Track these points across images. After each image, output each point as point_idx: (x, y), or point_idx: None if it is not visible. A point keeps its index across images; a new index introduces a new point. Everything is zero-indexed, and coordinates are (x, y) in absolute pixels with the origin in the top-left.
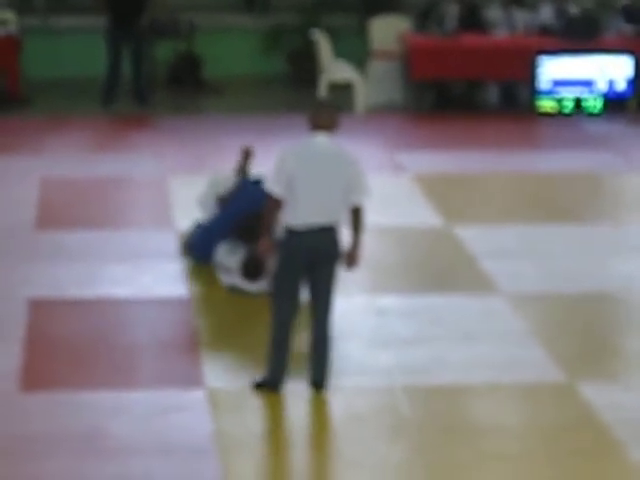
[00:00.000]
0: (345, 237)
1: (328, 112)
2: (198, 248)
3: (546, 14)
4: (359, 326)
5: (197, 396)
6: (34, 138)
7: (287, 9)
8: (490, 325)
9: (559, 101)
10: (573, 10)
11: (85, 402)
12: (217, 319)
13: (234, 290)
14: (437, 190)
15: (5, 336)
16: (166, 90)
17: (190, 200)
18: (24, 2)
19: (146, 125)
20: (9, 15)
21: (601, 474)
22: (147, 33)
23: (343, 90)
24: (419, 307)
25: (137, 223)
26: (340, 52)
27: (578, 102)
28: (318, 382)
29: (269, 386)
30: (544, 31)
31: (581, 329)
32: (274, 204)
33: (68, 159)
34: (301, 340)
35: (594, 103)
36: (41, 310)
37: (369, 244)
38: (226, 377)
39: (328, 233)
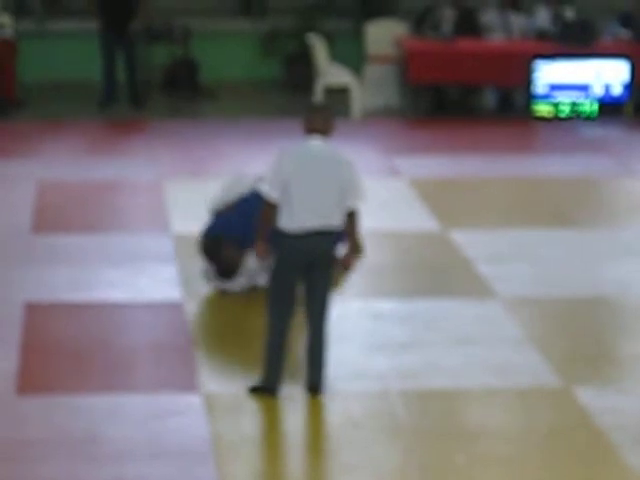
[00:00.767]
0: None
1: (323, 116)
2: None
3: (542, 19)
4: (355, 330)
5: (193, 400)
6: (30, 142)
7: (283, 13)
8: (486, 329)
9: (555, 105)
10: (569, 15)
11: (81, 406)
12: (213, 323)
13: (224, 292)
14: (433, 194)
15: (1, 339)
16: (162, 94)
17: (186, 204)
18: (20, 6)
19: (142, 129)
20: (5, 19)
21: (596, 478)
22: (139, 37)
23: (339, 94)
24: (415, 311)
25: (133, 227)
26: (336, 56)
27: (574, 106)
28: (314, 386)
29: (265, 390)
30: (540, 36)
31: (577, 333)
32: (270, 208)
33: (64, 163)
34: (297, 344)
35: (590, 107)
36: (37, 314)
37: (366, 248)
38: (222, 381)
39: (324, 237)
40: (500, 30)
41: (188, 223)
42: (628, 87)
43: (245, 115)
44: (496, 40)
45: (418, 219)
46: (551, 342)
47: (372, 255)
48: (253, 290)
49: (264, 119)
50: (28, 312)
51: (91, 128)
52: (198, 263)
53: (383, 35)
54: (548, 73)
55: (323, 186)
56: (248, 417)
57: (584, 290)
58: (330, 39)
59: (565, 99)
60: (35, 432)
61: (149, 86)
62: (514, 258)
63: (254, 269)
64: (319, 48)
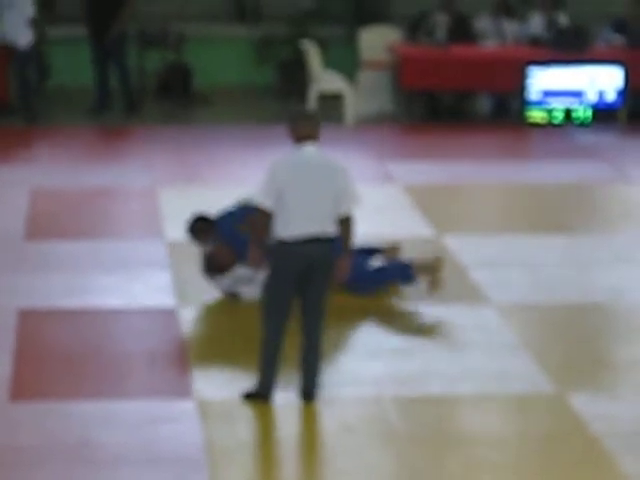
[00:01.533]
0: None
1: (311, 122)
2: None
3: (536, 25)
4: (349, 336)
5: (187, 406)
6: (24, 147)
7: (277, 19)
8: (480, 335)
9: (549, 112)
10: (563, 21)
11: (74, 412)
12: (207, 329)
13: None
14: (427, 200)
15: None
16: (155, 100)
17: (180, 210)
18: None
19: (136, 135)
20: None
21: None
22: (131, 43)
23: (333, 100)
24: (409, 318)
25: (127, 233)
26: (330, 62)
27: (568, 113)
28: (308, 392)
29: (259, 396)
30: (534, 42)
31: (571, 340)
32: (264, 217)
33: (58, 169)
34: (292, 350)
35: (584, 114)
36: (31, 320)
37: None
38: (216, 387)
39: (321, 244)
40: (494, 36)
41: (182, 230)
42: (622, 93)
43: (239, 121)
44: (490, 46)
45: (412, 225)
46: (545, 348)
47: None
48: (233, 297)
49: (258, 125)
50: (22, 319)
51: (85, 134)
52: (192, 269)
53: (377, 41)
54: (542, 79)
55: (318, 193)
56: (242, 423)
57: (579, 296)
58: (324, 45)
59: (559, 105)
60: (28, 438)
61: (143, 92)
62: (508, 264)
63: (241, 278)
64: (313, 54)
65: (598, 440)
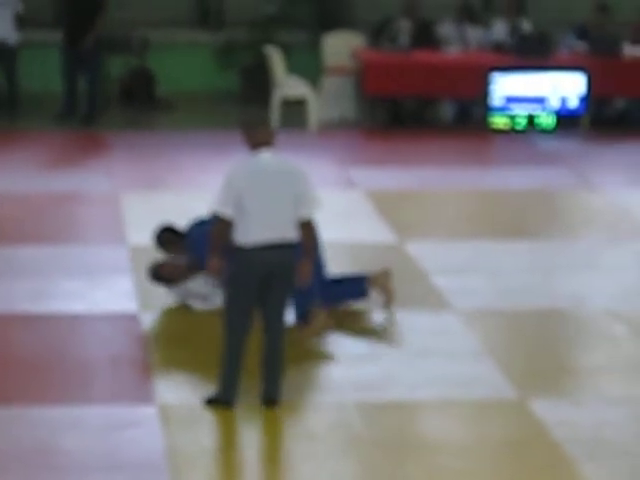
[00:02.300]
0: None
1: (266, 128)
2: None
3: (499, 31)
4: (311, 343)
5: (149, 412)
6: None
7: (240, 25)
8: (442, 341)
9: (512, 118)
10: (526, 27)
11: (37, 417)
12: (169, 335)
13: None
14: (389, 206)
15: None
16: (119, 106)
17: (143, 216)
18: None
19: (99, 141)
20: None
21: None
22: (95, 52)
23: (296, 106)
24: (371, 323)
25: (90, 239)
26: (294, 68)
27: (531, 119)
28: (270, 398)
29: (221, 402)
30: (497, 48)
31: (533, 346)
32: (224, 225)
33: (21, 174)
34: (254, 356)
35: (547, 120)
36: None
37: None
38: (178, 393)
39: (281, 250)
40: (457, 42)
41: (144, 235)
42: (584, 100)
43: (202, 127)
44: (453, 52)
45: (374, 231)
46: (507, 354)
47: (328, 267)
48: (185, 307)
49: (221, 131)
50: None
51: (48, 140)
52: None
53: (340, 47)
54: (504, 85)
55: (277, 198)
56: (204, 429)
57: (540, 302)
58: (287, 51)
59: (522, 111)
60: None
61: (106, 98)
62: (470, 270)
63: (192, 292)
64: (276, 60)
65: (560, 446)
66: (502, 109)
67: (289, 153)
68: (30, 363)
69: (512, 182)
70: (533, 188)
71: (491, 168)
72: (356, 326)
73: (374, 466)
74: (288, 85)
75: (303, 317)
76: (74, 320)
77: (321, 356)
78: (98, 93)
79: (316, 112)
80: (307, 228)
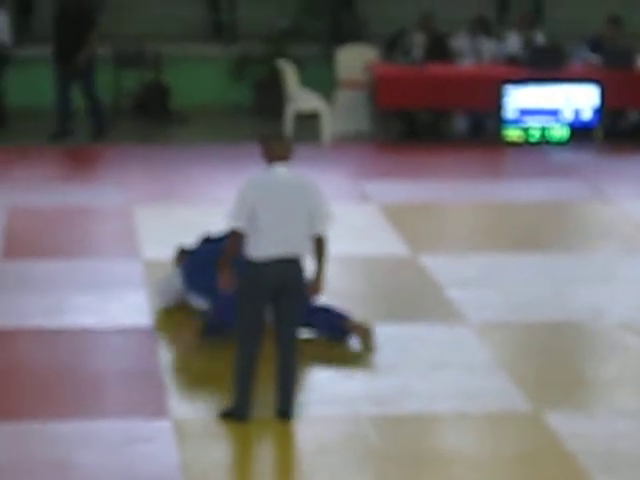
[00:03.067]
0: (310, 267)
1: (284, 143)
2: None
3: (513, 44)
4: (325, 356)
5: (163, 426)
6: (1, 168)
7: (254, 39)
8: (456, 354)
9: (525, 130)
10: (540, 40)
11: (51, 432)
12: (183, 349)
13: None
14: (403, 219)
15: None
16: (132, 119)
17: (156, 229)
18: None
19: (112, 154)
20: None
21: None
22: (88, 69)
23: (310, 119)
24: (385, 336)
25: (103, 253)
26: (307, 81)
27: (544, 131)
28: (285, 412)
29: (235, 416)
30: (510, 60)
31: (547, 358)
32: (236, 238)
33: (35, 189)
34: (268, 370)
35: (560, 132)
36: (6, 339)
37: (335, 274)
38: (192, 406)
39: (291, 265)
40: (470, 55)
41: (158, 249)
42: (598, 112)
43: (215, 140)
44: (466, 65)
45: (388, 244)
46: (521, 367)
47: (342, 280)
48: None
49: (234, 144)
50: None
51: (61, 154)
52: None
53: (354, 60)
54: (518, 98)
55: (291, 213)
56: (218, 443)
57: (554, 315)
58: (300, 64)
59: (535, 124)
60: (5, 459)
61: (119, 111)
62: (485, 283)
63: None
64: (289, 73)
65: (574, 458)
66: (516, 122)
67: (303, 167)
68: (43, 378)
69: (526, 194)
70: (547, 200)
71: (505, 181)
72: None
73: (388, 479)
74: (301, 99)
75: None
76: (87, 334)
77: (335, 369)
78: (101, 109)
79: (330, 126)
80: (321, 243)
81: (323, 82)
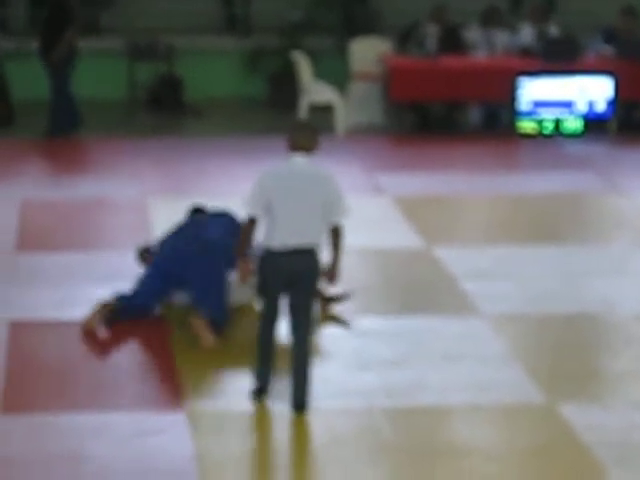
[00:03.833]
0: (325, 256)
1: (306, 133)
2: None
3: (526, 35)
4: (340, 348)
5: (177, 418)
6: (14, 160)
7: (267, 31)
8: (470, 346)
9: (539, 122)
10: (553, 31)
11: (65, 424)
12: (197, 340)
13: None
14: (417, 212)
15: None
16: (146, 112)
17: (170, 222)
18: (2, 25)
19: (125, 147)
20: None
21: None
22: (61, 66)
23: (323, 112)
24: (399, 329)
25: (117, 245)
26: (320, 74)
27: (558, 123)
28: (299, 403)
29: (258, 392)
30: (524, 52)
31: (561, 350)
32: (250, 225)
33: (48, 181)
34: (282, 363)
35: (574, 124)
36: (21, 332)
37: (349, 266)
38: (206, 398)
39: (306, 255)
40: (484, 47)
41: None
42: (612, 103)
43: (229, 133)
44: (480, 57)
45: (402, 236)
46: (536, 359)
47: (357, 273)
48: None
49: (248, 137)
50: (12, 331)
51: (75, 146)
52: None
53: (367, 52)
54: (532, 90)
55: (306, 203)
56: (233, 435)
57: (569, 307)
58: (314, 57)
59: (549, 116)
60: (18, 451)
61: (133, 104)
62: (499, 275)
63: None
64: (303, 66)
65: (588, 450)
66: (530, 113)
67: (316, 158)
68: (57, 370)
69: (540, 187)
70: (561, 192)
71: (519, 173)
72: (384, 332)
73: (402, 471)
74: (315, 91)
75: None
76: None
77: (349, 362)
78: (66, 106)
79: (343, 118)
80: (337, 233)
81: (337, 74)
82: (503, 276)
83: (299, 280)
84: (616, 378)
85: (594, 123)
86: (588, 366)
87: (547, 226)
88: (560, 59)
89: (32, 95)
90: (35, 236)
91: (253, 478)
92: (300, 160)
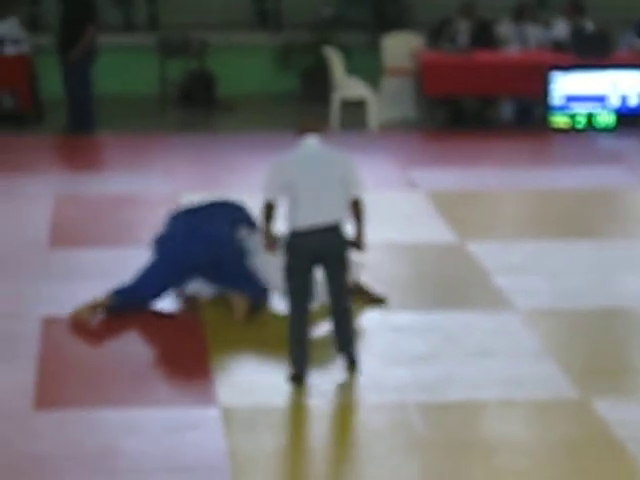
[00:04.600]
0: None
1: (313, 116)
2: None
3: (560, 30)
4: (373, 343)
5: (210, 414)
6: (48, 156)
7: (299, 26)
8: (504, 341)
9: (572, 117)
10: (588, 26)
11: (98, 420)
12: (230, 335)
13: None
14: (450, 206)
15: (19, 354)
16: (178, 108)
17: None
18: (34, 21)
19: (158, 143)
20: (20, 34)
21: None
22: (79, 66)
23: (356, 107)
24: (433, 323)
25: (149, 241)
26: (353, 69)
27: (591, 118)
28: (350, 359)
29: (295, 378)
30: (556, 47)
31: (594, 345)
32: (268, 208)
33: (81, 177)
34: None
35: (607, 119)
36: (54, 328)
37: (382, 261)
38: (239, 394)
39: (332, 232)
40: (516, 41)
41: None
42: None
43: (261, 128)
44: (512, 51)
45: (435, 231)
46: (569, 354)
47: (390, 267)
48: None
49: (280, 132)
50: (46, 326)
51: (107, 142)
52: None
53: (399, 48)
54: (564, 84)
55: (326, 182)
56: (266, 430)
57: (602, 302)
58: (346, 52)
59: (581, 110)
60: (52, 447)
61: (165, 100)
62: (531, 270)
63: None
64: (335, 61)
65: (622, 445)
66: (562, 108)
67: (350, 154)
68: (90, 366)
69: (572, 181)
70: (593, 187)
71: (551, 167)
72: (417, 326)
73: (435, 466)
74: (348, 86)
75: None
76: (134, 322)
77: (382, 357)
78: (82, 107)
79: (376, 113)
80: (358, 206)
81: (369, 70)
82: (536, 271)
83: (328, 255)
84: None
85: (627, 117)
86: (621, 361)
87: (580, 221)
88: (593, 54)
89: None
90: (68, 232)
91: (286, 474)
92: (312, 142)
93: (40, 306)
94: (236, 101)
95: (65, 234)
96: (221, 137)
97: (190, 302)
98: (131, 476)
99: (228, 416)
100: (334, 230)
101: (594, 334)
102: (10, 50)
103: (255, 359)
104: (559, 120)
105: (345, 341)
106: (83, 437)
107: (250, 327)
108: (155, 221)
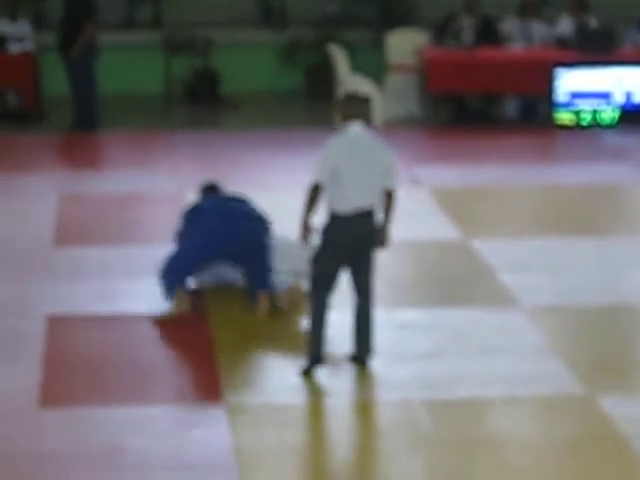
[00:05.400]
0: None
1: (358, 102)
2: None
3: (564, 27)
4: (379, 340)
5: (216, 411)
6: (52, 155)
7: (304, 24)
8: (509, 338)
9: (577, 113)
10: (593, 23)
11: (103, 418)
12: (235, 334)
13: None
14: (455, 203)
15: (24, 352)
16: (183, 106)
17: None
18: (40, 19)
19: (162, 141)
20: (26, 31)
21: None
22: (80, 63)
23: None
24: (437, 321)
25: (155, 239)
26: (357, 66)
27: (595, 114)
28: (362, 358)
29: (313, 365)
30: (561, 43)
31: (600, 342)
32: (315, 190)
33: (85, 175)
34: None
35: (611, 115)
36: (59, 326)
37: (387, 258)
38: (245, 392)
39: (368, 217)
40: (520, 38)
41: None
42: None
43: (266, 126)
44: (517, 48)
45: (440, 228)
46: (574, 351)
47: (394, 265)
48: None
49: (285, 130)
50: (50, 325)
51: (112, 140)
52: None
53: (404, 45)
54: (569, 81)
55: (369, 168)
56: (272, 428)
57: (607, 299)
58: (351, 49)
59: (586, 107)
60: (58, 445)
61: (169, 98)
62: (536, 267)
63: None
64: (340, 58)
65: (628, 442)
66: (567, 105)
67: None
68: (95, 364)
69: (577, 178)
70: (598, 184)
71: (556, 164)
72: (421, 324)
73: (441, 463)
74: (352, 83)
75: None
76: (140, 320)
77: (387, 354)
78: (86, 105)
79: (380, 110)
80: (391, 197)
81: (373, 67)
82: (541, 268)
83: (363, 243)
84: None
85: (631, 114)
86: (627, 358)
87: (584, 217)
88: (597, 50)
89: (67, 90)
90: (72, 231)
91: (292, 471)
92: (358, 129)
93: (44, 304)
94: (241, 98)
95: (69, 233)
96: (226, 134)
97: (195, 298)
98: (137, 474)
99: (234, 413)
100: (370, 216)
101: (599, 331)
102: (15, 48)
103: (261, 356)
104: (564, 117)
105: (364, 347)
106: (89, 435)
107: (256, 324)
108: (160, 219)
